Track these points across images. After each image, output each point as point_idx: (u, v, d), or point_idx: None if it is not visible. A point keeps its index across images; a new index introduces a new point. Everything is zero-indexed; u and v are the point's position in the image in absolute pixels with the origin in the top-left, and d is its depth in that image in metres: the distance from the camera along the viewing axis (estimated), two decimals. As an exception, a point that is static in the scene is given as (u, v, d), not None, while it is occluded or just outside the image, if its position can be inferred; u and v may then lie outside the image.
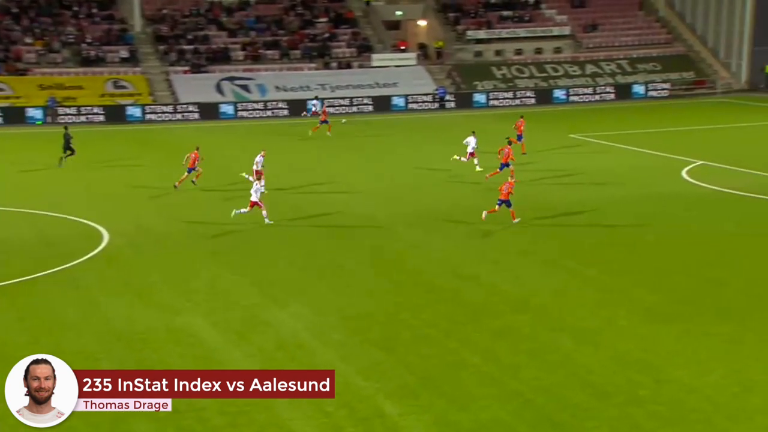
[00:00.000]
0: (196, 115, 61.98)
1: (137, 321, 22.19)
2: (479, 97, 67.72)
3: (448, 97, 66.83)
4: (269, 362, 19.60)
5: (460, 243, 29.41)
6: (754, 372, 18.85)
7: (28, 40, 65.59)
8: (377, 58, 70.07)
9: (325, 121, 51.58)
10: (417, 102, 66.54)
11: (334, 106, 62.53)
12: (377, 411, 17.29)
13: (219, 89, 65.36)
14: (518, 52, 73.55)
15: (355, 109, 64.88)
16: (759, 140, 50.31)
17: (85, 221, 32.15)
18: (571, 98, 68.93)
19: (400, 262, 27.44)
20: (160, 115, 61.73)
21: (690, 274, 25.95)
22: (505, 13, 75.87)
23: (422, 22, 76.47)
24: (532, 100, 68.29)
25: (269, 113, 63.50)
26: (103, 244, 29.19)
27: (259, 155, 37.06)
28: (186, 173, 37.28)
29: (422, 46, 73.06)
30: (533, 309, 23.00)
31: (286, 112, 63.29)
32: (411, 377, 18.83)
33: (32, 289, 24.76)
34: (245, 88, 65.89)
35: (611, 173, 40.33)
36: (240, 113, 63.12)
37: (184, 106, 62.38)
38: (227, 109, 63.12)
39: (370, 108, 65.49)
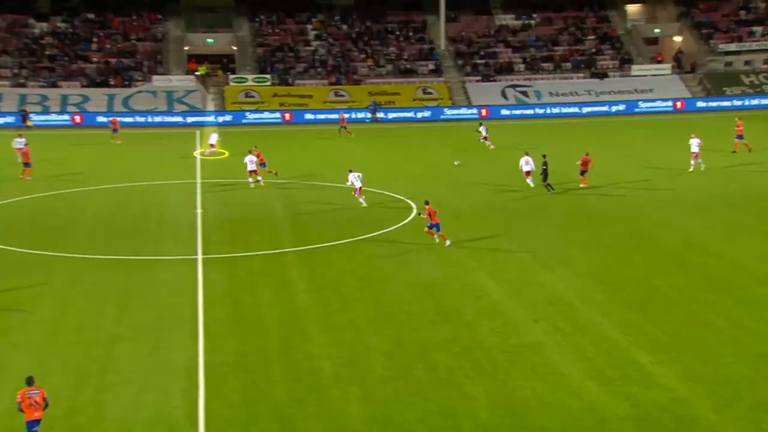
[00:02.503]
0: (484, 114, 62.25)
1: (438, 275, 22.67)
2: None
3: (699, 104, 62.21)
4: (541, 315, 19.37)
5: (707, 224, 27.45)
6: None
7: (363, 57, 68.79)
8: (636, 69, 66.84)
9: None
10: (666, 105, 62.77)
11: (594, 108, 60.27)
12: (632, 359, 16.61)
13: (503, 95, 65.18)
14: (767, 61, 67.21)
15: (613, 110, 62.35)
16: None
17: (398, 196, 33.26)
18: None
19: (652, 238, 26.09)
20: (456, 114, 62.63)
21: None
22: (755, 28, 69.55)
23: (678, 38, 71.87)
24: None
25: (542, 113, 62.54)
26: (412, 215, 30.07)
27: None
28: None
29: (677, 58, 68.69)
30: (774, 284, 21.06)
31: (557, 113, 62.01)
32: (661, 334, 17.90)
33: (362, 247, 25.87)
34: (524, 93, 65.26)
35: None
36: (516, 113, 62.69)
37: (476, 108, 62.83)
38: (509, 111, 62.95)
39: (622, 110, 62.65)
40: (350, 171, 32.20)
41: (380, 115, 61.56)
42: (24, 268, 23.24)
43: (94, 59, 64.91)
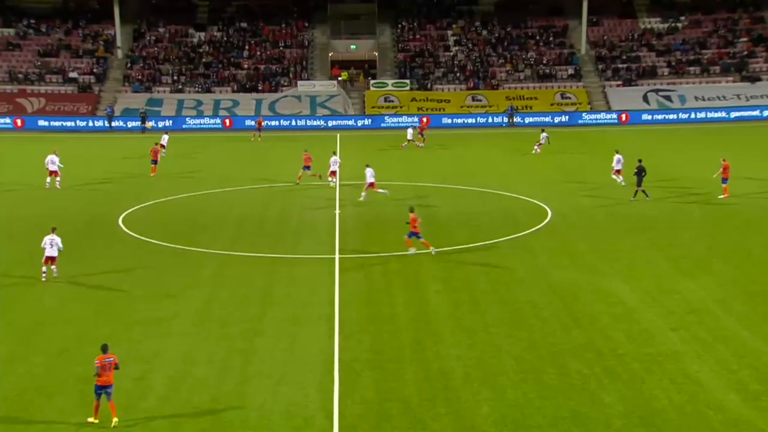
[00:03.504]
0: (624, 119, 60.28)
1: (571, 280, 22.23)
2: None
3: None
4: (679, 323, 18.61)
5: None
6: None
7: (501, 62, 68.28)
8: (793, 71, 62.77)
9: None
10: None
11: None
12: (777, 375, 15.66)
13: (645, 99, 62.91)
14: None
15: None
16: None
17: (532, 200, 32.82)
18: None
19: (805, 249, 24.46)
20: (595, 119, 61.02)
21: None
22: None
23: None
24: None
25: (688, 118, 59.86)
26: (547, 219, 29.60)
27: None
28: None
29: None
30: None
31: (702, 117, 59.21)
32: (811, 350, 16.76)
33: (496, 250, 25.73)
34: (668, 98, 62.70)
35: None
36: (658, 118, 60.29)
37: (616, 113, 60.98)
38: (650, 115, 60.70)
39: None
40: (367, 166, 33.35)
41: (517, 119, 60.89)
42: (177, 262, 24.62)
43: (245, 66, 67.82)
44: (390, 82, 66.11)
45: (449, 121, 62.16)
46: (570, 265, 23.73)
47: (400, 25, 71.80)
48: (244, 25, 71.54)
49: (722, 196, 32.06)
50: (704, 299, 20.19)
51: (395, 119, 62.22)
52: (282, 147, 50.33)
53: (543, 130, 47.37)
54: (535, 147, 45.57)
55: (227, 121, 61.79)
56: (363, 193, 32.95)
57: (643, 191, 32.04)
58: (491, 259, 24.63)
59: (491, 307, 20.20)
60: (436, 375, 16.30)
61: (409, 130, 50.09)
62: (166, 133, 47.80)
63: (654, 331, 18.21)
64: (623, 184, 34.08)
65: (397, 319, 19.62)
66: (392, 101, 64.72)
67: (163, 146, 44.17)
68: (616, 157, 35.16)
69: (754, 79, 62.77)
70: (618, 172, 34.82)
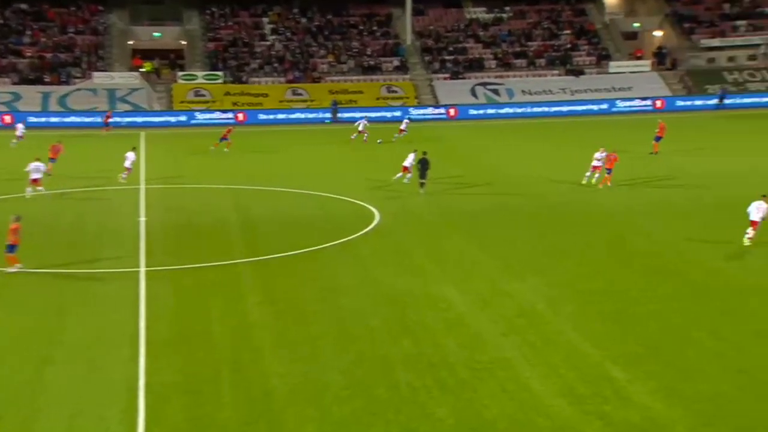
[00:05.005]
0: (453, 114, 62.61)
1: (401, 286, 22.72)
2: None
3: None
4: (510, 328, 19.51)
5: (686, 229, 27.89)
6: None
7: (323, 53, 68.81)
8: (614, 66, 67.76)
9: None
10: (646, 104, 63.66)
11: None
12: (605, 375, 16.76)
13: (473, 93, 65.67)
14: (752, 57, 68.54)
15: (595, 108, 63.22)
16: None
17: (359, 201, 33.32)
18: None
19: (631, 246, 26.42)
20: (422, 114, 62.92)
21: None
22: (739, 22, 70.89)
23: (658, 33, 73.01)
24: (763, 102, 63.55)
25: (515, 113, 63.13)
26: (375, 222, 30.13)
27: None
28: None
29: (658, 54, 69.66)
30: (759, 293, 21.42)
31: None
32: (637, 347, 18.10)
33: (321, 256, 25.88)
34: (495, 92, 65.81)
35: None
36: (489, 113, 63.20)
37: (444, 107, 63.21)
38: (478, 110, 63.44)
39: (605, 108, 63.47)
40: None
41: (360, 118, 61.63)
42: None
43: (28, 54, 64.08)
44: (200, 74, 64.92)
45: (268, 117, 61.92)
46: (400, 269, 24.27)
47: (209, 11, 70.65)
48: (24, 6, 67.58)
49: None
50: (535, 301, 21.27)
51: (207, 115, 61.15)
52: (80, 144, 48.05)
53: (409, 119, 52.20)
54: (396, 135, 49.66)
55: (6, 117, 58.13)
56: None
57: (422, 184, 34.43)
58: (316, 266, 24.71)
59: (316, 318, 20.27)
60: (257, 395, 16.11)
61: (362, 122, 50.89)
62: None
63: (485, 337, 18.97)
64: (406, 181, 35.83)
65: (212, 335, 19.24)
66: (203, 95, 63.58)
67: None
68: (411, 155, 36.47)
69: (578, 72, 67.13)
70: (405, 169, 36.16)
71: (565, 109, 63.47)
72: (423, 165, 34.86)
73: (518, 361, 17.52)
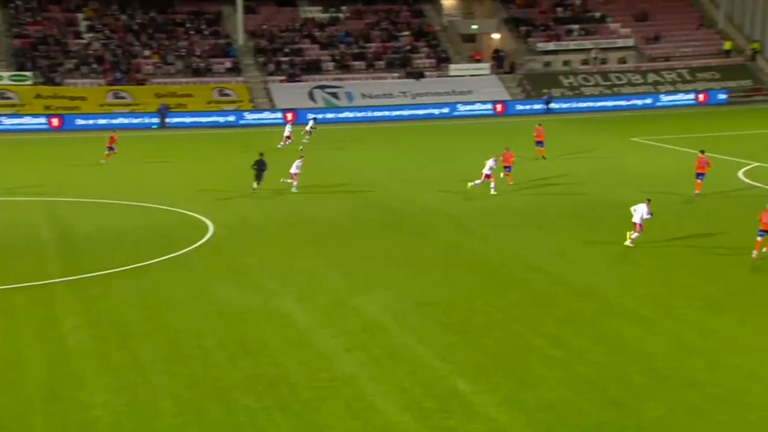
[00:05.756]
0: (290, 118, 62.52)
1: (238, 302, 22.44)
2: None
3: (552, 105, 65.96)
4: (354, 343, 19.64)
5: (529, 237, 29.06)
6: (806, 360, 18.20)
7: (147, 53, 67.02)
8: (454, 68, 69.80)
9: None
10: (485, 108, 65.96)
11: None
12: (451, 388, 17.17)
13: (311, 96, 65.87)
14: (585, 62, 72.43)
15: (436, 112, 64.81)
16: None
17: (190, 213, 32.66)
18: (634, 104, 67.56)
19: (473, 254, 27.23)
20: (258, 119, 62.48)
21: (746, 265, 25.21)
22: (572, 26, 74.78)
23: (496, 35, 75.87)
24: (597, 106, 67.28)
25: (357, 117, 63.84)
26: (208, 234, 29.61)
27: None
28: None
29: (496, 57, 72.29)
30: (597, 298, 22.60)
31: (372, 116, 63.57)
32: (482, 358, 18.66)
33: (149, 273, 25.19)
34: (334, 95, 66.29)
35: (671, 173, 39.41)
36: (329, 117, 63.60)
37: (281, 111, 63.02)
38: (317, 114, 63.67)
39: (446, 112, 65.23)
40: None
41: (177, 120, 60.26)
42: None
43: None
44: (6, 74, 61.65)
45: (87, 122, 59.60)
46: (237, 284, 23.96)
47: (12, 5, 67.33)
48: None
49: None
50: (380, 314, 21.53)
51: (15, 120, 58.22)
52: None
53: (314, 119, 53.15)
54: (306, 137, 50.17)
55: None
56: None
57: (256, 185, 35.58)
58: (143, 283, 24.06)
59: (144, 340, 19.69)
60: (75, 428, 15.45)
61: (310, 122, 50.98)
62: None
63: (329, 354, 19.01)
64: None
65: (23, 365, 18.34)
66: (10, 98, 60.41)
67: None
68: (296, 162, 36.59)
69: (418, 75, 68.69)
70: (294, 176, 36.29)
71: (406, 113, 64.76)
72: (259, 166, 35.66)
73: (363, 378, 17.66)
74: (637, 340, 19.53)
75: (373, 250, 27.68)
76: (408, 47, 71.47)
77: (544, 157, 43.12)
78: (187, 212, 32.88)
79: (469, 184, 35.47)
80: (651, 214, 27.18)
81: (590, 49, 72.49)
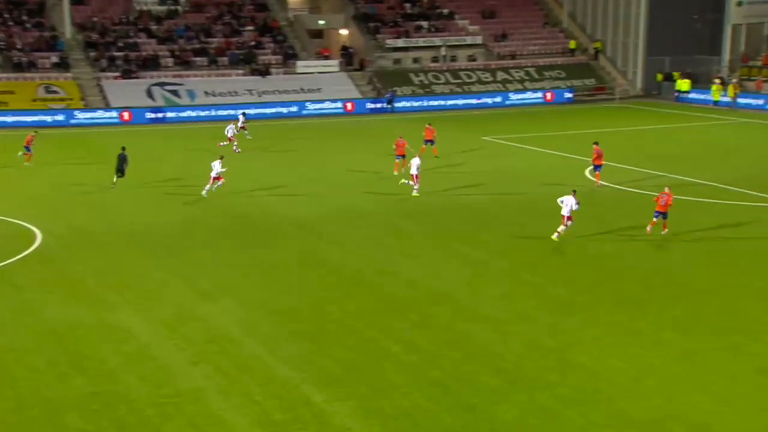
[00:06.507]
0: (127, 117, 60.93)
1: (70, 317, 21.75)
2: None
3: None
4: (200, 355, 19.40)
5: (382, 240, 29.49)
6: (649, 356, 19.33)
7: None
8: (302, 65, 69.81)
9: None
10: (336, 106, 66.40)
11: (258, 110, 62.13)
12: (304, 399, 17.25)
13: (149, 94, 64.37)
14: (434, 59, 74.00)
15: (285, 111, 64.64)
16: (653, 142, 51.52)
17: (14, 220, 31.38)
18: (485, 103, 69.57)
19: (325, 258, 27.39)
20: (90, 119, 60.50)
21: (592, 265, 26.48)
22: (421, 23, 76.25)
23: (344, 31, 76.43)
24: (449, 105, 68.85)
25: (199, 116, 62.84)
26: (36, 243, 28.52)
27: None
28: None
29: (345, 54, 72.82)
30: (451, 301, 23.20)
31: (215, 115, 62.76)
32: (336, 366, 18.83)
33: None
34: (175, 93, 65.02)
35: (522, 172, 40.88)
36: (169, 116, 62.31)
37: (116, 110, 61.27)
38: (157, 113, 62.26)
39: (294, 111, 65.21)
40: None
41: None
42: None
43: None
44: None
45: None
46: (69, 298, 23.22)
47: None
48: None
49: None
50: (227, 324, 21.36)
51: None
52: None
53: (243, 113, 52.81)
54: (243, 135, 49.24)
55: None
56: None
57: (117, 179, 36.59)
58: (-37, 300, 22.93)
59: (-35, 364, 18.79)
60: None
61: (230, 126, 48.38)
62: None
63: (173, 369, 18.71)
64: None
65: None
66: None
67: None
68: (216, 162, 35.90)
69: (264, 72, 68.32)
70: (215, 179, 35.55)
71: (252, 111, 64.28)
72: (121, 161, 36.97)
73: (210, 392, 17.49)
74: (490, 343, 20.21)
75: (220, 257, 27.41)
76: (252, 43, 70.95)
77: (436, 156, 44.07)
78: (11, 220, 31.54)
79: (402, 180, 36.58)
80: (579, 204, 28.38)
81: (440, 47, 74.11)
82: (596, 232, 30.08)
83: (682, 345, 19.97)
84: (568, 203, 28.26)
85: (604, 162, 37.53)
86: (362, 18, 76.01)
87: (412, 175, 35.58)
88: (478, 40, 75.93)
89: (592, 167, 38.24)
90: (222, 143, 47.51)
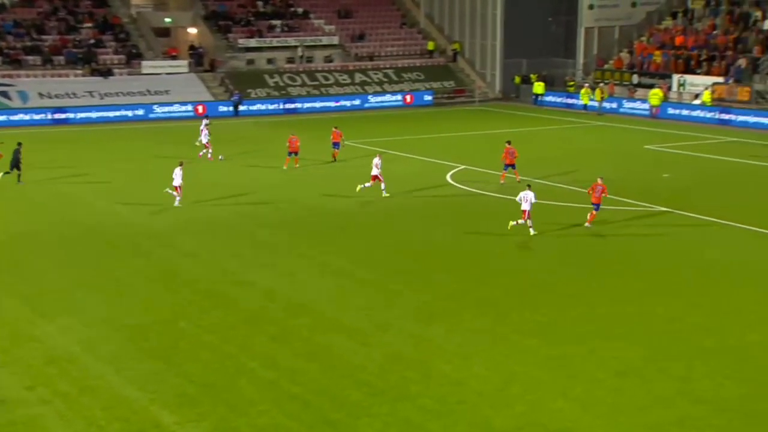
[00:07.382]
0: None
1: None
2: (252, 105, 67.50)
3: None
4: (36, 379, 18.74)
5: (236, 249, 29.24)
6: (513, 363, 19.88)
7: None
8: (148, 65, 68.40)
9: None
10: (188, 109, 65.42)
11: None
12: (153, 421, 16.91)
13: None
14: (290, 60, 73.89)
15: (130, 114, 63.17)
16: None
17: None
18: (343, 105, 69.92)
19: (178, 270, 26.94)
20: None
21: (453, 271, 27.01)
22: (275, 22, 76.03)
23: (192, 30, 75.37)
24: (306, 107, 68.87)
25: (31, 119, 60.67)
26: None
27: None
28: None
29: (194, 54, 71.77)
30: (310, 312, 23.21)
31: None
32: (189, 385, 18.55)
33: None
34: (5, 94, 62.56)
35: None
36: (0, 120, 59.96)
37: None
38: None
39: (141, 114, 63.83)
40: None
41: None
42: None
43: None
44: None
45: None
46: None
47: None
48: None
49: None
50: (68, 344, 20.74)
51: None
52: None
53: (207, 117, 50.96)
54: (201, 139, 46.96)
55: None
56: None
57: (18, 175, 38.49)
58: None
59: None
60: None
61: (204, 133, 46.32)
62: None
63: (6, 394, 18.04)
64: None
65: None
66: None
67: None
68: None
69: (106, 73, 66.58)
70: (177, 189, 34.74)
71: (94, 115, 62.58)
72: (15, 155, 38.85)
73: (48, 419, 16.95)
74: (352, 355, 20.34)
75: (59, 271, 26.58)
76: (92, 41, 69.03)
77: (334, 160, 45.28)
78: None
79: (358, 187, 36.50)
80: (535, 199, 30.06)
81: (295, 47, 74.08)
82: (457, 235, 30.75)
83: (544, 350, 20.63)
84: (527, 198, 29.89)
85: (515, 161, 39.47)
86: (212, 16, 75.22)
87: (373, 176, 36.46)
88: (335, 40, 76.38)
89: (505, 168, 39.79)
90: (201, 153, 46.47)
